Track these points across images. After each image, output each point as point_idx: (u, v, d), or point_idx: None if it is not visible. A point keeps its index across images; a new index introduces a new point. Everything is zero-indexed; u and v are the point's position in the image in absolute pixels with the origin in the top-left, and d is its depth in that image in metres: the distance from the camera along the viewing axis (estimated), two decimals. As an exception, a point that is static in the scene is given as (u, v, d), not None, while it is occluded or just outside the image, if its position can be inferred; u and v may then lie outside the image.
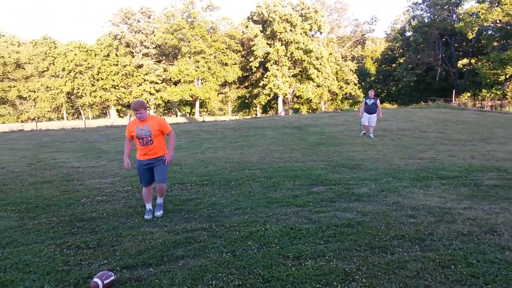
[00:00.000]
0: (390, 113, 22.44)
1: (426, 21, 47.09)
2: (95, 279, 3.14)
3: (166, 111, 58.54)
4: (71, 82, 51.86)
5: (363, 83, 56.01)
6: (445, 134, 14.04)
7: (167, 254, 3.84)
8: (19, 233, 4.62)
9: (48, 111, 54.43)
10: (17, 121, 50.69)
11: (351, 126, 16.25)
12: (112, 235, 4.48)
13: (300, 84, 50.76)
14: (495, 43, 41.58)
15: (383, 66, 55.24)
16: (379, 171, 7.79)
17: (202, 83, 53.05)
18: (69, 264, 3.69)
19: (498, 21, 37.65)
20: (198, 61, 51.16)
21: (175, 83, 53.57)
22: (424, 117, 19.59)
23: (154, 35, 53.12)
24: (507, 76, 37.29)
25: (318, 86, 50.37)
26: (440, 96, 37.66)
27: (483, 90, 45.37)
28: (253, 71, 51.80)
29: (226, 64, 52.56)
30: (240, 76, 53.71)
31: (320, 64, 49.03)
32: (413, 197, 5.85)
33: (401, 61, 50.96)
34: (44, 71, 54.72)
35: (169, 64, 54.21)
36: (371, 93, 13.63)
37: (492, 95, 43.31)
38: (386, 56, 54.80)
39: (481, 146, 11.26)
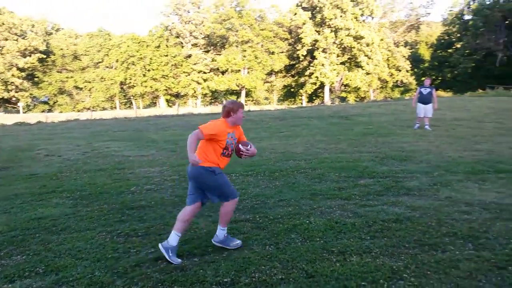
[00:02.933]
0: (444, 101, 21.34)
1: (488, 3, 43.97)
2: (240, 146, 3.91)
3: (212, 100, 59.40)
4: (124, 73, 54.04)
5: (416, 70, 53.55)
6: (504, 124, 13.12)
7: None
8: (73, 219, 4.87)
9: (102, 100, 57.06)
10: (73, 110, 53.43)
11: (401, 116, 15.64)
12: (159, 223, 4.61)
13: (349, 72, 49.46)
14: None
15: (438, 51, 52.39)
16: (431, 163, 7.44)
17: (249, 72, 53.19)
18: (118, 251, 3.84)
19: None
20: (245, 50, 51.27)
21: (223, 73, 54.14)
22: (482, 106, 18.45)
23: (203, 25, 53.83)
24: None
25: (367, 73, 48.84)
26: (500, 83, 35.22)
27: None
28: (300, 59, 51.05)
29: (273, 53, 52.27)
30: (287, 64, 53.23)
31: (371, 51, 47.42)
32: (467, 192, 5.53)
33: (458, 46, 48.13)
34: (99, 62, 57.21)
35: (217, 54, 54.79)
36: (427, 81, 12.89)
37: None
38: (442, 41, 51.87)
39: (546, 138, 10.42)
